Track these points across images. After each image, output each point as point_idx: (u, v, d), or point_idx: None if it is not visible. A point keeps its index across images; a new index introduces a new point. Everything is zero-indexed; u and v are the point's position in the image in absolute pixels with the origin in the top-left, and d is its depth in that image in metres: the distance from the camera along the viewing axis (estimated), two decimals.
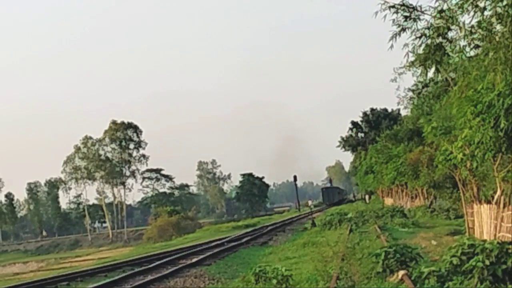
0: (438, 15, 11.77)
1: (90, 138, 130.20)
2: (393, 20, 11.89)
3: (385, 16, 11.74)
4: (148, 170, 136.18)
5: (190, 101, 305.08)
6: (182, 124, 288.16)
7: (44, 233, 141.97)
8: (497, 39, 11.04)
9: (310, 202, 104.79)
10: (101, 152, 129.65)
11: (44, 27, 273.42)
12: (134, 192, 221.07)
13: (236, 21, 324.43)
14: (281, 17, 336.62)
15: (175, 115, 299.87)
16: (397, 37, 12.10)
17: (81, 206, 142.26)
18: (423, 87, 43.90)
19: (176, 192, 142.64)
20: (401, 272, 13.26)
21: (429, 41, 12.45)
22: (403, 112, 71.57)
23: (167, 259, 29.10)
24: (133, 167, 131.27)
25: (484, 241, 13.21)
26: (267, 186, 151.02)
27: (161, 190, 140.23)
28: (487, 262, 11.46)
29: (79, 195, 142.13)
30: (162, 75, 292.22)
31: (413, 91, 47.28)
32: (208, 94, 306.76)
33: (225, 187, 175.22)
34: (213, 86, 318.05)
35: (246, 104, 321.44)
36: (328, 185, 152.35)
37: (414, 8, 11.83)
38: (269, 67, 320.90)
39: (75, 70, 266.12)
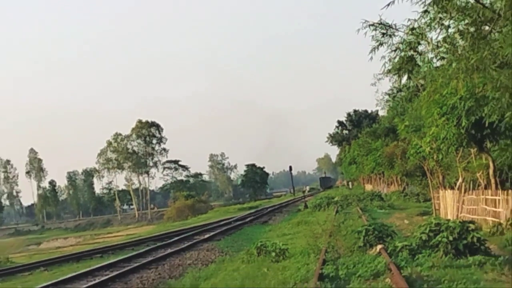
0: (410, 32, 11.76)
1: (120, 134, 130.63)
2: (372, 36, 11.88)
3: (365, 33, 11.73)
4: (168, 161, 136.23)
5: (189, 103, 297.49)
6: (194, 124, 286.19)
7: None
8: (459, 52, 11.03)
9: (307, 188, 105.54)
10: (129, 146, 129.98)
11: (97, 34, 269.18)
12: (156, 180, 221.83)
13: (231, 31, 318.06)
14: (268, 33, 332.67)
15: (185, 116, 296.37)
16: (376, 50, 12.08)
17: (112, 191, 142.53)
18: (397, 92, 43.90)
19: (191, 180, 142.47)
20: (379, 246, 13.28)
21: (402, 54, 12.43)
22: (381, 113, 71.64)
23: (184, 235, 29.19)
24: (156, 159, 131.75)
25: (448, 220, 13.23)
26: (267, 174, 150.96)
27: (178, 178, 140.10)
28: (451, 238, 11.49)
29: (110, 182, 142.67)
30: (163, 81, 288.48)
31: (389, 95, 47.30)
32: (211, 96, 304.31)
33: (232, 176, 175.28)
34: (213, 89, 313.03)
35: (246, 104, 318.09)
36: (323, 175, 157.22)
37: (390, 26, 11.81)
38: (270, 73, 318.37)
39: (107, 75, 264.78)
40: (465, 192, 20.14)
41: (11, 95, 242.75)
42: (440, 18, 10.91)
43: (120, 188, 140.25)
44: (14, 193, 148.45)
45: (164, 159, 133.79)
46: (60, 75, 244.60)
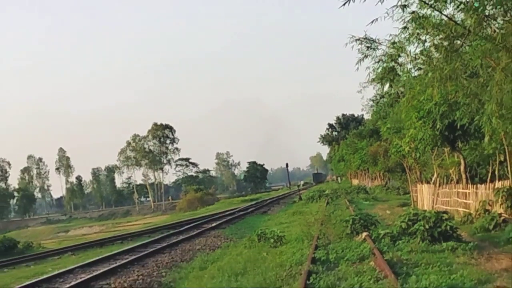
0: (391, 46, 11.75)
1: (138, 135, 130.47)
2: (358, 49, 11.88)
3: (352, 46, 11.74)
4: (180, 159, 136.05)
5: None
6: (202, 125, 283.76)
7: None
8: (435, 63, 11.02)
9: (301, 182, 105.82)
10: (146, 146, 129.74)
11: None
12: (170, 175, 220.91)
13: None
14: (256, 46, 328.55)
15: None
16: (362, 61, 12.08)
17: (131, 185, 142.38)
18: (380, 98, 43.80)
19: (200, 175, 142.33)
20: (364, 233, 13.28)
21: (384, 65, 12.42)
22: (366, 116, 71.40)
23: (194, 224, 29.15)
24: (169, 157, 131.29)
25: (425, 211, 13.23)
26: (266, 170, 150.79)
27: (189, 174, 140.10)
28: (427, 226, 11.49)
29: (129, 177, 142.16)
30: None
31: (373, 100, 47.20)
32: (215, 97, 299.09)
33: (236, 171, 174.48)
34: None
35: (248, 107, 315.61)
36: (316, 171, 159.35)
37: (374, 41, 11.80)
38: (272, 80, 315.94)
39: (125, 86, 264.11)
40: (439, 186, 20.12)
41: (45, 103, 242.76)
42: (418, 34, 10.89)
43: (138, 183, 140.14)
44: (46, 187, 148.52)
45: (176, 157, 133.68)
46: (84, 90, 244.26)
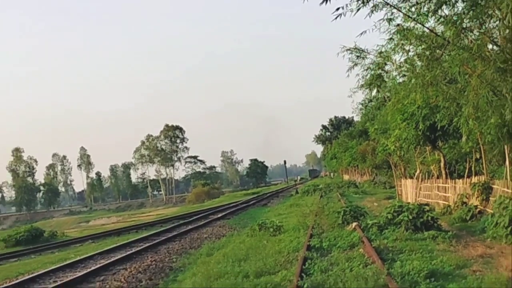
0: (378, 55, 11.78)
1: (151, 135, 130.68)
2: (349, 58, 11.91)
3: (343, 56, 11.76)
4: (189, 157, 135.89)
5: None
6: (210, 127, 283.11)
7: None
8: (417, 70, 11.04)
9: (298, 177, 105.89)
10: (158, 145, 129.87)
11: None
12: (180, 171, 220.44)
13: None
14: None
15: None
16: (352, 69, 12.11)
17: (145, 180, 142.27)
18: (369, 102, 43.77)
19: (207, 171, 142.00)
20: (354, 223, 13.27)
21: (372, 72, 12.45)
22: (356, 118, 71.35)
23: (201, 215, 29.19)
24: (179, 155, 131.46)
25: (409, 203, 13.22)
26: (267, 167, 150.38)
27: (197, 170, 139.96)
28: (410, 217, 11.49)
29: (143, 173, 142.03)
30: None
31: (362, 104, 47.14)
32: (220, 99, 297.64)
33: (239, 168, 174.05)
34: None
35: (250, 109, 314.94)
36: (311, 167, 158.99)
37: (363, 50, 11.83)
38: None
39: (140, 89, 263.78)
40: (421, 181, 20.11)
41: (69, 105, 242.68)
42: (402, 44, 10.91)
43: (151, 178, 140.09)
44: (69, 182, 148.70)
45: (186, 155, 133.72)
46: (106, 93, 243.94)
